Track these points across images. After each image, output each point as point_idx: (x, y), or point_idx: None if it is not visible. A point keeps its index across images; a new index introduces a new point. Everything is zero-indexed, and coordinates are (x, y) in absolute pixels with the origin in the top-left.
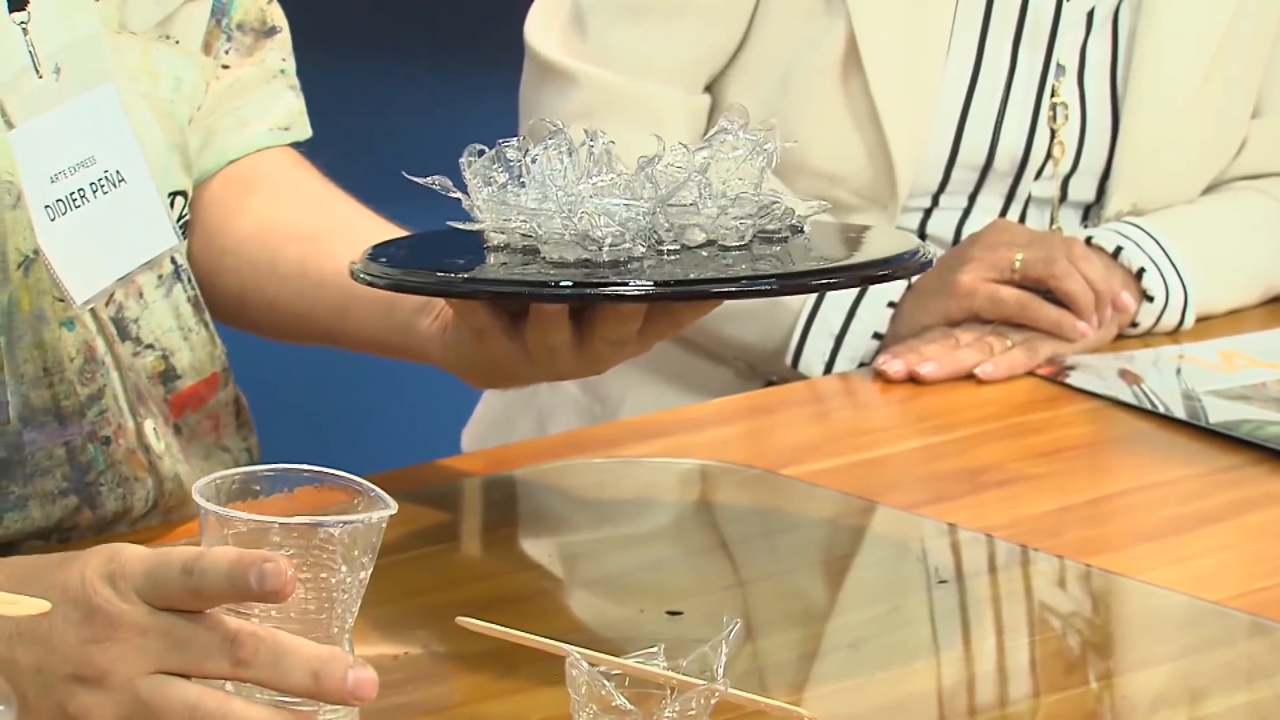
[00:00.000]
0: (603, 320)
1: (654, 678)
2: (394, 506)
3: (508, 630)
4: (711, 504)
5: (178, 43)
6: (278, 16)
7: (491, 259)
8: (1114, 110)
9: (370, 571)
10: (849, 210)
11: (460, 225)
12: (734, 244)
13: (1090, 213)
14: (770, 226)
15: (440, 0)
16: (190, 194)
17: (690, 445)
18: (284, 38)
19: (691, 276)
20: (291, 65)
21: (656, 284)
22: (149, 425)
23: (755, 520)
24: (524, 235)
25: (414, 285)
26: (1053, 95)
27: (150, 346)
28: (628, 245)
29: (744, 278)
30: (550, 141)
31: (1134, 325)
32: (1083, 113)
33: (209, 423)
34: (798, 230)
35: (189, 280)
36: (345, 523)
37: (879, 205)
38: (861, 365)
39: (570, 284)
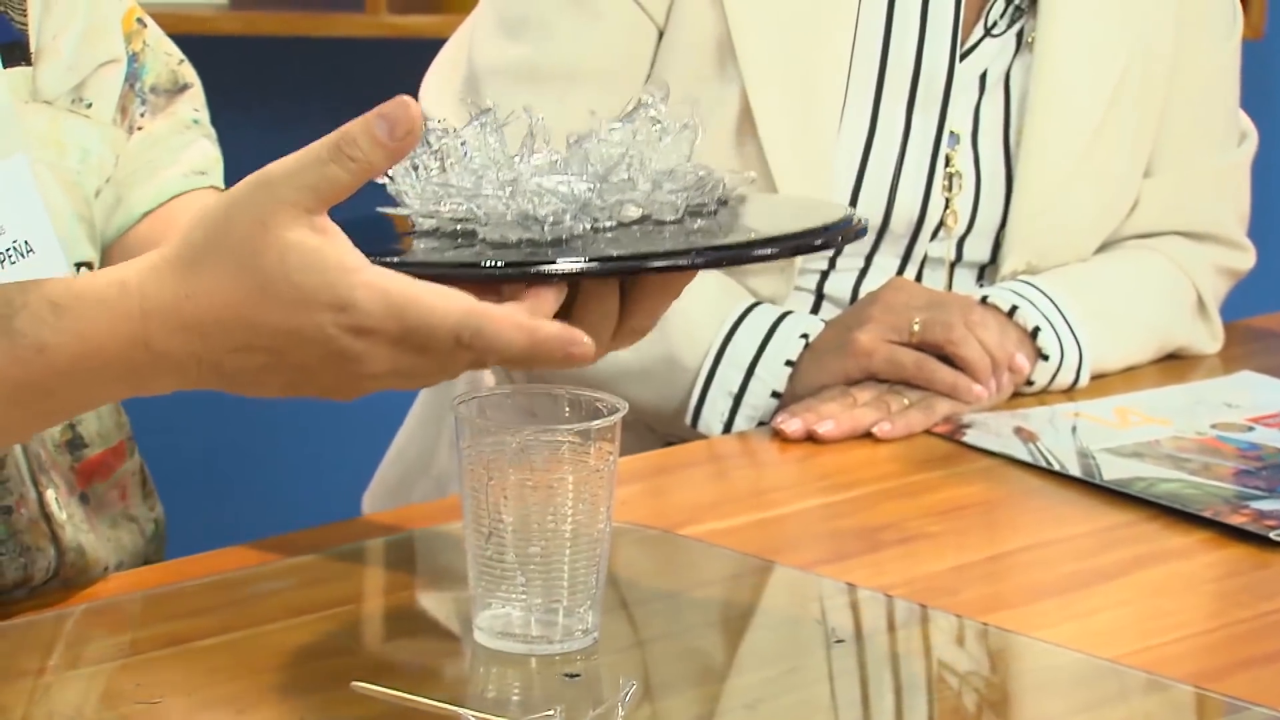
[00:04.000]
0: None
1: None
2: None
3: (403, 694)
4: (610, 564)
5: (91, 105)
6: (189, 75)
7: (424, 244)
8: (1008, 171)
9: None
10: (747, 272)
11: (389, 211)
12: (669, 219)
13: (985, 272)
14: (702, 200)
15: (346, 57)
16: (96, 265)
17: None
18: (196, 92)
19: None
20: (205, 116)
21: (602, 259)
22: (51, 495)
23: (653, 580)
24: (455, 219)
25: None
26: (947, 164)
27: None
28: (569, 224)
29: (697, 249)
30: (479, 122)
31: (1029, 384)
32: (977, 175)
33: (116, 492)
34: (725, 203)
35: None
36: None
37: (776, 267)
38: (760, 424)
39: (551, 262)
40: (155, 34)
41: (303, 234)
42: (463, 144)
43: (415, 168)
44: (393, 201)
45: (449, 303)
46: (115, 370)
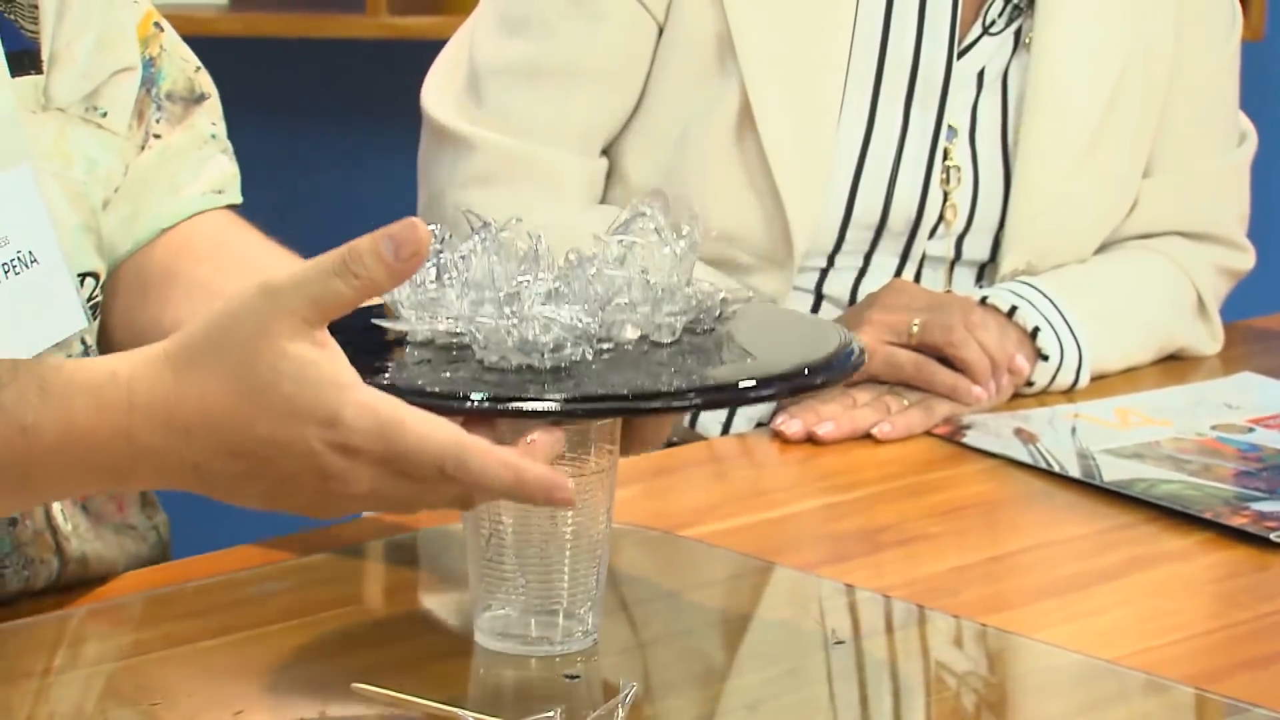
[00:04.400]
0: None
1: None
2: None
3: (403, 696)
4: (610, 565)
5: (105, 114)
6: (206, 84)
7: (418, 355)
8: (1006, 170)
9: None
10: (746, 271)
11: (384, 323)
12: (667, 340)
13: (984, 271)
14: (699, 318)
15: (347, 58)
16: (102, 275)
17: None
18: (213, 103)
19: (640, 387)
20: (222, 130)
21: (601, 399)
22: (56, 506)
23: (654, 581)
24: (451, 334)
25: None
26: (945, 158)
27: None
28: (569, 351)
29: (697, 389)
30: (479, 236)
31: (1029, 384)
32: (975, 173)
33: (114, 504)
34: (720, 315)
35: None
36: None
37: (776, 265)
38: (760, 425)
39: (558, 400)
40: (172, 39)
41: (300, 346)
42: (461, 258)
43: (413, 281)
44: (388, 310)
45: (436, 431)
46: (95, 460)
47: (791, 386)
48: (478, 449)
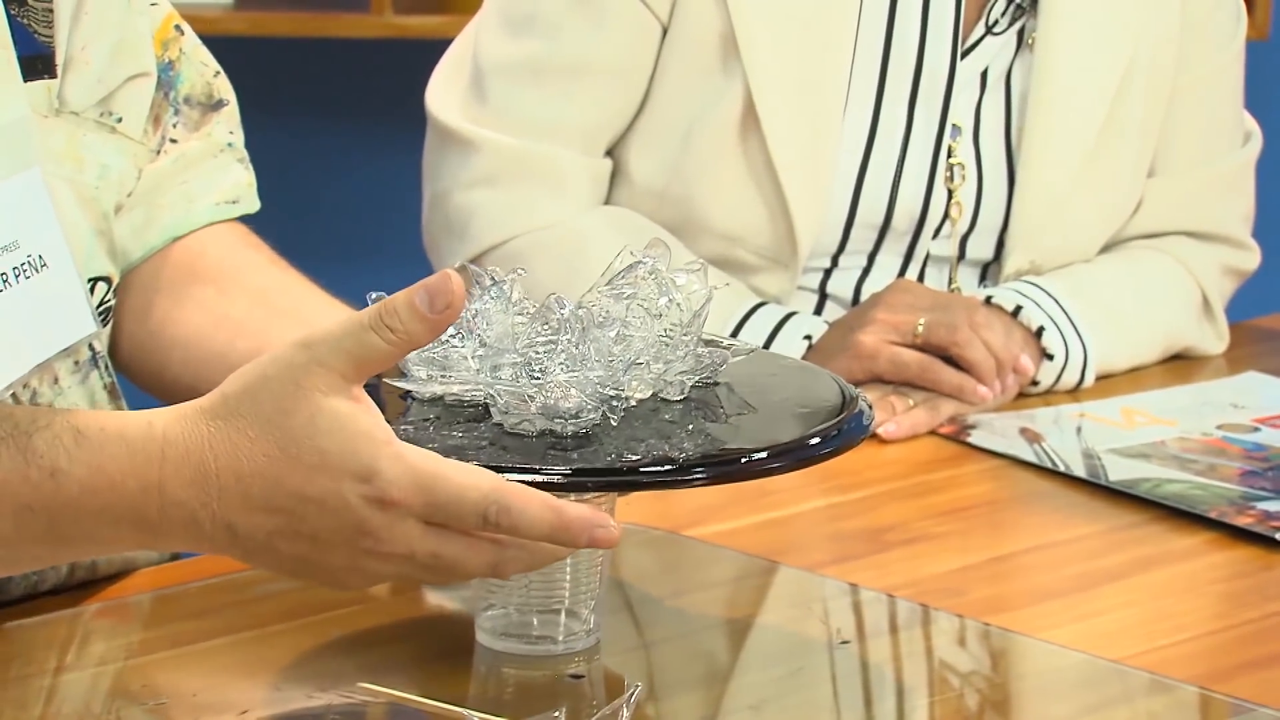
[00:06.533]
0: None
1: None
2: None
3: (408, 696)
4: (614, 564)
5: (120, 119)
6: (225, 90)
7: (425, 413)
8: (1010, 170)
9: None
10: (751, 270)
11: (397, 383)
12: (675, 397)
13: (988, 271)
14: (704, 374)
15: (351, 57)
16: (115, 280)
17: None
18: (231, 110)
19: (659, 454)
20: (240, 138)
21: (620, 475)
22: None
23: (658, 582)
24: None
25: None
26: (949, 156)
27: None
28: (593, 416)
29: (706, 461)
30: (490, 295)
31: (1034, 384)
32: (979, 172)
33: None
34: (723, 363)
35: (106, 367)
36: None
37: (780, 265)
38: None
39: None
40: (192, 42)
41: (335, 400)
42: (474, 316)
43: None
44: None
45: (476, 479)
46: (123, 511)
47: (798, 458)
48: (518, 492)
